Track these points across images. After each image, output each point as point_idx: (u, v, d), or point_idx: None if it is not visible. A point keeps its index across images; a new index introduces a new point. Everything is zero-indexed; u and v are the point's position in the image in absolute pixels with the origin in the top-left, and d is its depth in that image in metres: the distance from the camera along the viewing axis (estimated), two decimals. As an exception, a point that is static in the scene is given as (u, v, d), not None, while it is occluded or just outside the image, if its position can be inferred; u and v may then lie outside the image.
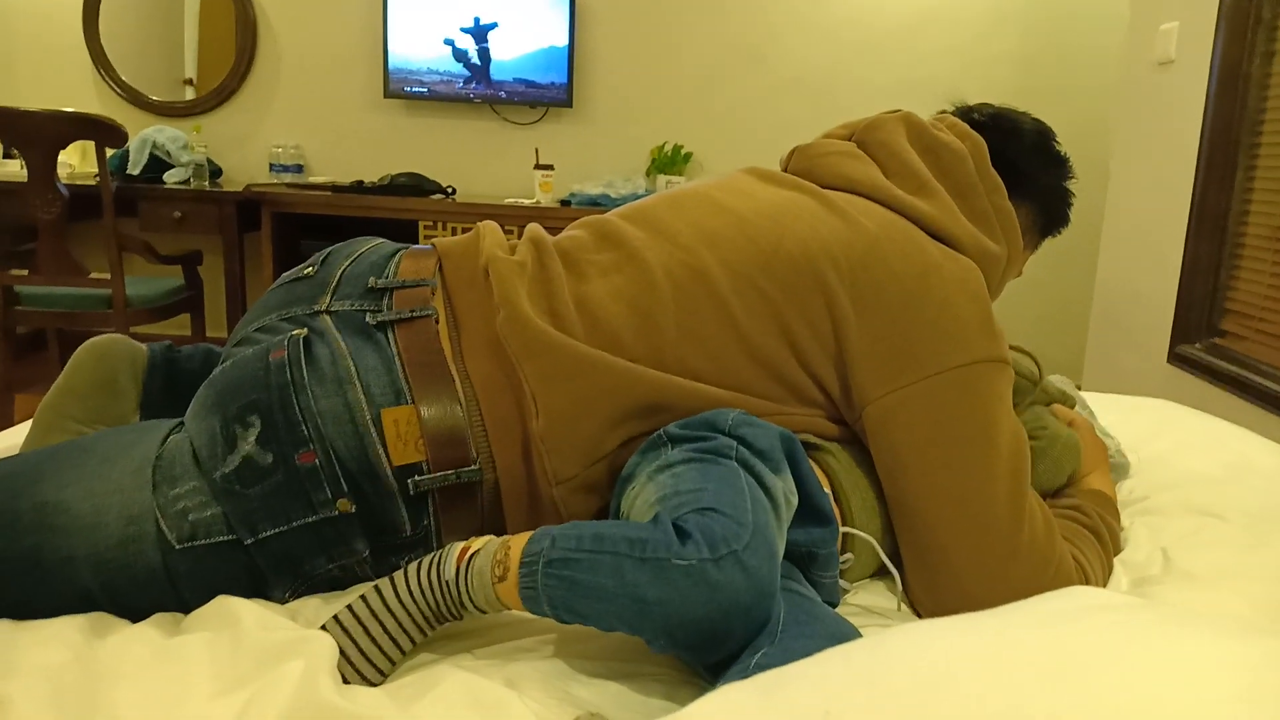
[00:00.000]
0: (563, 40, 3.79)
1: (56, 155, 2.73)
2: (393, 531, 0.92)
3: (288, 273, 1.08)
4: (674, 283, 1.01)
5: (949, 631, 0.55)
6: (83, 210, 3.00)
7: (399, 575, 0.81)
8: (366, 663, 0.77)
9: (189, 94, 3.92)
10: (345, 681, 0.76)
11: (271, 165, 3.83)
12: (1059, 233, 1.26)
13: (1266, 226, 2.36)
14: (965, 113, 1.24)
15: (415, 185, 3.53)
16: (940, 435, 0.97)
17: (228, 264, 3.47)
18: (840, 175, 1.12)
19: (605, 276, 1.02)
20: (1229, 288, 2.49)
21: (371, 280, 1.01)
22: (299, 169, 3.87)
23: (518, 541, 0.79)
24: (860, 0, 3.83)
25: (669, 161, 3.82)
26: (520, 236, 1.11)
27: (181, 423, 0.94)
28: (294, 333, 0.93)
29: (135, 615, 0.86)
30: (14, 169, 3.45)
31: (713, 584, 0.72)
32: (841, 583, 1.00)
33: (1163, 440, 1.46)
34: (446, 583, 0.79)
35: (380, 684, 0.78)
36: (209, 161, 3.64)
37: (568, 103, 3.86)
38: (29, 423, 1.08)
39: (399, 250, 1.08)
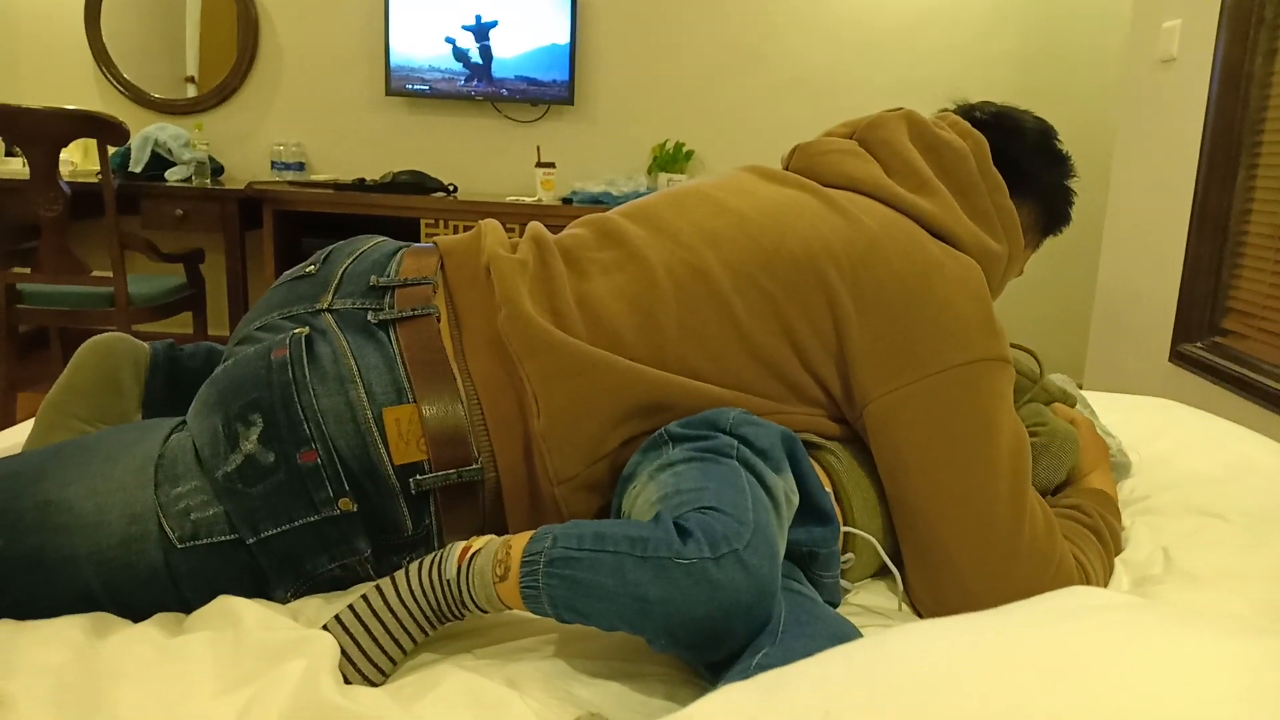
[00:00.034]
0: (564, 38, 3.79)
1: (58, 153, 2.73)
2: (394, 531, 0.92)
3: (289, 271, 1.08)
4: (675, 281, 1.01)
5: (950, 631, 0.55)
6: (85, 208, 3.00)
7: (400, 575, 0.81)
8: (368, 662, 0.78)
9: (191, 92, 3.92)
10: (346, 681, 0.76)
11: (273, 163, 3.83)
12: (1060, 231, 1.25)
13: (1268, 225, 2.36)
14: (967, 111, 1.23)
15: (417, 183, 3.53)
16: (941, 434, 0.97)
17: (229, 262, 3.47)
18: (842, 174, 1.12)
19: (607, 275, 1.02)
20: (1230, 287, 2.49)
21: (373, 278, 1.01)
22: (301, 167, 3.87)
23: (519, 541, 0.79)
24: (862, 0, 3.83)
25: (670, 160, 3.82)
26: (522, 235, 1.11)
27: (184, 421, 0.94)
28: (296, 331, 0.94)
29: (137, 614, 0.86)
30: (16, 167, 3.45)
31: (714, 583, 0.72)
32: (843, 582, 1.00)
33: (1164, 440, 1.46)
34: (448, 582, 0.79)
35: (381, 683, 0.78)
36: (211, 159, 3.64)
37: (569, 101, 3.86)
38: (31, 421, 1.09)
39: (400, 248, 1.08)
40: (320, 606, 0.90)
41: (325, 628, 0.79)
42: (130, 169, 3.52)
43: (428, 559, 0.82)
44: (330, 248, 1.08)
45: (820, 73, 3.89)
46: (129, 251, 2.90)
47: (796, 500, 0.90)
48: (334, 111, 3.96)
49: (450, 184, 3.66)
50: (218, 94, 3.91)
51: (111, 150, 3.04)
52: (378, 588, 0.81)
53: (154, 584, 0.86)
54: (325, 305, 0.99)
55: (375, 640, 0.78)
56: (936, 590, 0.98)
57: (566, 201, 3.63)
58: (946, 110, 1.26)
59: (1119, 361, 2.96)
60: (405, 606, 0.79)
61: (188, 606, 0.87)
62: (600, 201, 3.58)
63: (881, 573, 1.06)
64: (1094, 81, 3.82)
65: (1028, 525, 0.96)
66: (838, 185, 1.11)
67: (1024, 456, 0.99)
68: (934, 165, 1.12)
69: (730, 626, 0.72)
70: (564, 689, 0.77)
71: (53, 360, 3.61)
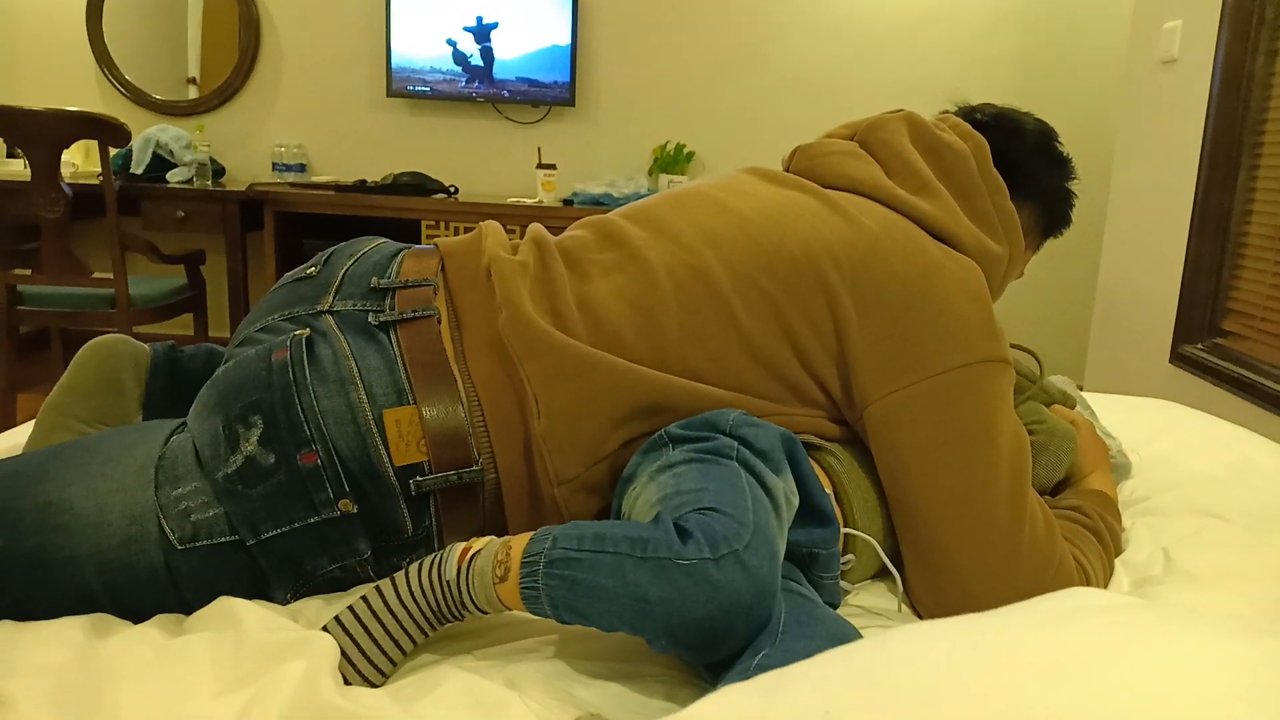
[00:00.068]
0: (565, 39, 3.79)
1: (60, 154, 2.73)
2: (394, 532, 0.92)
3: (290, 272, 1.08)
4: (676, 282, 1.01)
5: (950, 632, 0.55)
6: (86, 209, 3.00)
7: (400, 576, 0.81)
8: (368, 663, 0.78)
9: (192, 93, 3.92)
10: (346, 682, 0.76)
11: (274, 164, 3.83)
12: (1061, 234, 1.25)
13: (1269, 226, 2.36)
14: (968, 113, 1.23)
15: (418, 185, 3.53)
16: (942, 435, 0.97)
17: (230, 263, 3.47)
18: (842, 175, 1.12)
19: (607, 276, 1.02)
20: (1231, 287, 2.49)
21: (374, 280, 1.01)
22: (302, 168, 3.87)
23: (519, 542, 0.79)
24: (862, 0, 3.83)
25: (671, 161, 3.82)
26: (522, 236, 1.11)
27: (184, 423, 0.94)
28: (296, 333, 0.94)
29: (137, 615, 0.86)
30: (17, 168, 3.45)
31: (714, 583, 0.72)
32: (843, 583, 1.00)
33: (1164, 440, 1.46)
34: (447, 583, 0.79)
35: (381, 684, 0.78)
36: (212, 161, 3.64)
37: (570, 102, 3.86)
38: (32, 422, 1.09)
39: (401, 250, 1.08)
40: (320, 607, 0.90)
41: (325, 629, 0.79)
42: (131, 170, 3.53)
43: (427, 560, 0.82)
44: (331, 249, 1.09)
45: (821, 73, 3.89)
46: (130, 253, 2.91)
47: (796, 501, 0.90)
48: (335, 113, 3.96)
49: (451, 185, 3.66)
50: (219, 95, 3.92)
51: (113, 151, 3.04)
52: (377, 589, 0.81)
53: (154, 585, 0.86)
54: (326, 307, 0.99)
55: (375, 641, 0.78)
56: (937, 591, 0.98)
57: (567, 203, 3.63)
58: (947, 112, 1.26)
59: (1119, 362, 2.96)
60: (405, 607, 0.79)
61: (188, 607, 0.87)
62: (601, 203, 3.58)
63: (882, 574, 1.06)
64: (1095, 82, 3.82)
65: (1028, 526, 0.96)
66: (838, 187, 1.11)
67: (1024, 458, 0.99)
68: (934, 167, 1.12)
69: (730, 627, 0.72)
70: (564, 690, 0.77)
71: (53, 361, 3.61)
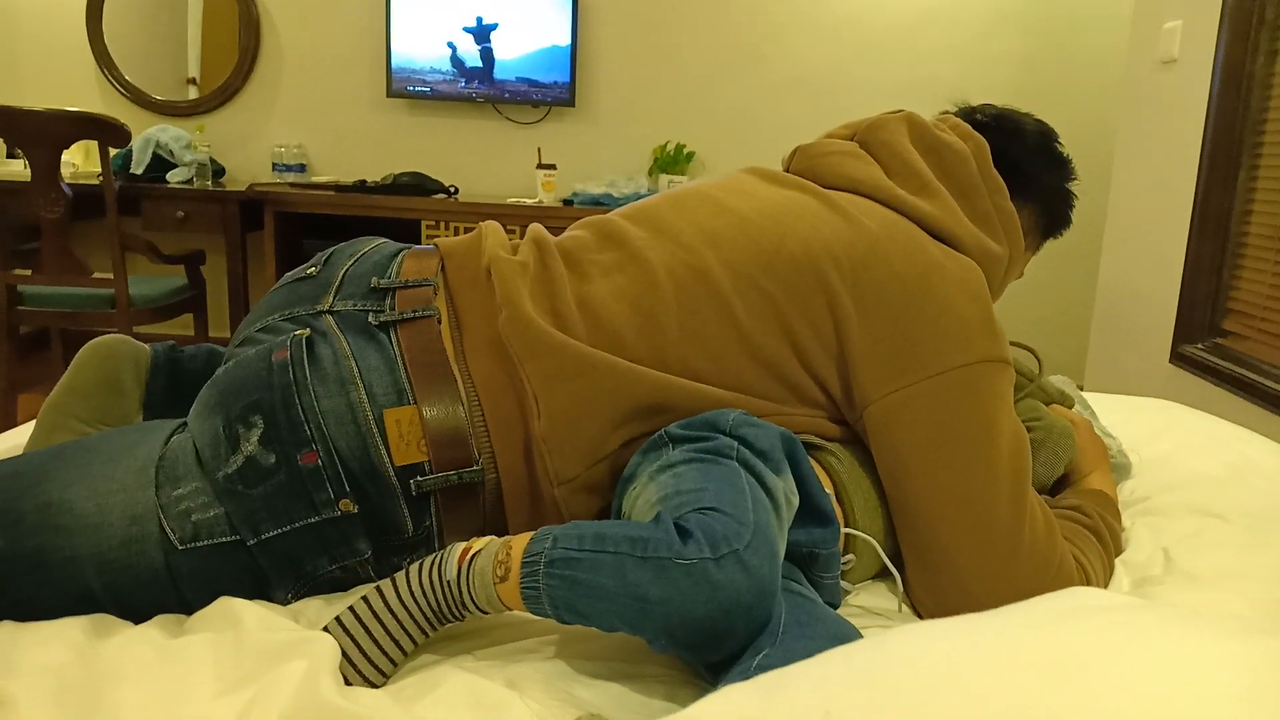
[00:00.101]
0: (565, 40, 3.79)
1: (60, 155, 2.74)
2: (395, 532, 0.92)
3: (290, 273, 1.08)
4: (676, 282, 1.01)
5: (950, 632, 0.55)
6: (86, 210, 3.00)
7: (400, 576, 0.81)
8: (368, 664, 0.78)
9: (192, 93, 3.92)
10: (347, 682, 0.76)
11: (274, 165, 3.83)
12: (1060, 234, 1.25)
13: (1269, 226, 2.36)
14: (968, 113, 1.24)
15: (418, 185, 3.53)
16: (942, 435, 0.97)
17: (230, 264, 3.47)
18: (842, 175, 1.12)
19: (607, 276, 1.02)
20: (1231, 287, 2.49)
21: (374, 280, 1.01)
22: (302, 168, 3.87)
23: (519, 542, 0.79)
24: (862, 0, 3.83)
25: (671, 161, 3.82)
26: (522, 236, 1.11)
27: (184, 423, 0.94)
28: (297, 333, 0.94)
29: (138, 615, 0.86)
30: (17, 168, 3.46)
31: (714, 583, 0.72)
32: (843, 584, 1.00)
33: (1165, 441, 1.46)
34: (448, 583, 0.79)
35: (382, 685, 0.78)
36: (212, 161, 3.64)
37: (570, 102, 3.86)
38: (33, 423, 1.09)
39: (401, 250, 1.09)
40: (321, 608, 0.90)
41: (326, 629, 0.79)
42: (131, 171, 3.53)
43: (428, 560, 0.82)
44: (331, 249, 1.09)
45: (821, 73, 3.89)
46: (130, 253, 2.91)
47: (796, 501, 0.90)
48: (335, 113, 3.96)
49: (451, 186, 3.66)
50: (219, 96, 3.92)
51: (113, 152, 3.04)
52: (378, 589, 0.81)
53: (155, 585, 0.86)
54: (326, 307, 0.99)
55: (375, 641, 0.78)
56: (937, 591, 0.98)
57: (567, 203, 3.63)
58: (947, 112, 1.26)
59: (1120, 362, 2.96)
60: (405, 608, 0.79)
61: (188, 607, 0.87)
62: (601, 203, 3.58)
63: (882, 574, 1.06)
64: (1095, 82, 3.82)
65: (1028, 526, 0.96)
66: (838, 187, 1.11)
67: (1024, 458, 0.99)
68: (934, 167, 1.12)
69: (730, 627, 0.73)
70: (564, 690, 0.77)
71: (54, 362, 3.61)
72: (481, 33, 3.79)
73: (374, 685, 0.78)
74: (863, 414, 1.01)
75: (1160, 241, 2.71)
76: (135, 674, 0.74)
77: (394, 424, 0.90)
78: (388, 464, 0.89)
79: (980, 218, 1.11)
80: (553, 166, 3.64)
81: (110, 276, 2.82)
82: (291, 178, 3.77)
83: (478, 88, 3.84)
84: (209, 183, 3.58)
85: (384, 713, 0.70)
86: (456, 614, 0.81)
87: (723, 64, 3.90)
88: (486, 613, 0.80)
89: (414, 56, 3.79)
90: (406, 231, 3.54)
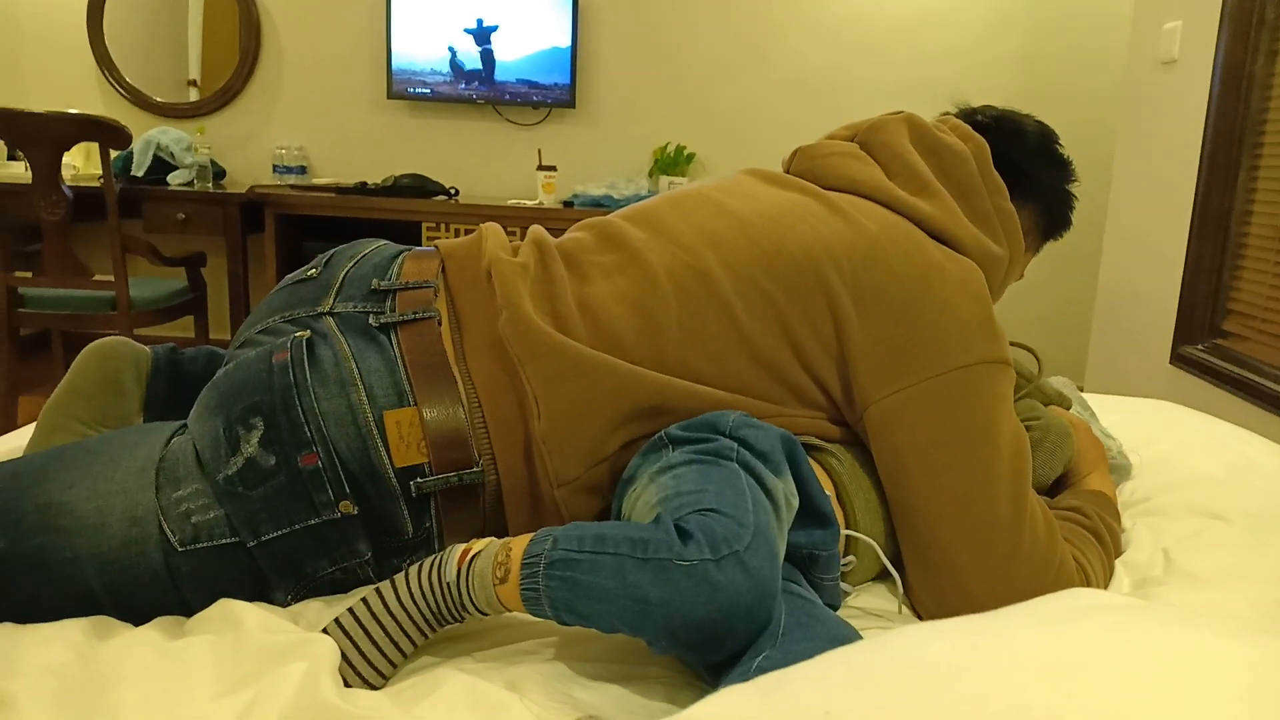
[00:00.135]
0: (565, 41, 3.79)
1: (61, 157, 2.74)
2: (395, 533, 0.92)
3: (291, 275, 1.08)
4: (676, 284, 1.01)
5: (949, 632, 0.55)
6: (87, 212, 3.00)
7: (400, 578, 0.81)
8: (368, 665, 0.78)
9: (193, 95, 3.93)
10: (346, 684, 0.76)
11: (275, 167, 3.84)
12: (1060, 236, 1.26)
13: (1269, 227, 2.36)
14: (969, 114, 1.24)
15: (418, 187, 3.53)
16: (942, 436, 0.97)
17: (231, 266, 3.48)
18: (842, 176, 1.12)
19: (608, 278, 1.03)
20: (1231, 288, 2.49)
21: (374, 282, 1.01)
22: (302, 170, 3.88)
23: (519, 543, 0.79)
24: (863, 1, 3.83)
25: (672, 162, 3.82)
26: (523, 238, 1.11)
27: (185, 425, 0.94)
28: (297, 334, 0.94)
29: (138, 616, 0.86)
30: (18, 170, 3.46)
31: (714, 584, 0.72)
32: (843, 585, 1.00)
33: (1165, 441, 1.46)
34: (447, 585, 0.79)
35: (382, 686, 0.78)
36: (212, 163, 3.65)
37: (570, 104, 3.86)
38: (33, 424, 1.09)
39: (402, 252, 1.09)
40: (321, 610, 0.90)
41: (325, 631, 0.79)
42: (132, 173, 3.53)
43: (427, 561, 0.82)
44: (332, 251, 1.09)
45: (821, 74, 3.90)
46: (131, 255, 2.91)
47: (796, 503, 0.90)
48: (336, 115, 3.96)
49: (452, 187, 3.66)
50: (220, 98, 3.92)
51: (114, 154, 3.04)
52: (377, 591, 0.81)
53: (155, 586, 0.86)
54: (326, 308, 0.99)
55: (375, 643, 0.78)
56: (937, 592, 0.98)
57: (568, 204, 3.64)
58: (948, 113, 1.26)
59: (1120, 363, 2.96)
60: (405, 609, 0.79)
61: (188, 609, 0.87)
62: (601, 204, 3.58)
63: (883, 575, 1.06)
64: (1095, 83, 3.82)
65: (1028, 527, 0.96)
66: (838, 188, 1.11)
67: (1025, 459, 0.99)
68: (935, 168, 1.12)
69: (731, 628, 0.73)
70: (564, 691, 0.77)
71: (54, 363, 3.61)
72: (482, 34, 3.80)
73: (373, 687, 0.78)
74: (863, 415, 1.01)
75: (1160, 242, 2.71)
76: (135, 675, 0.74)
77: (394, 425, 0.90)
78: (388, 465, 0.89)
79: (980, 219, 1.11)
80: (553, 168, 3.65)
81: (111, 279, 2.82)
82: (292, 180, 3.78)
83: (478, 89, 3.84)
84: (210, 185, 3.58)
85: (383, 714, 0.70)
86: (456, 615, 0.81)
87: (723, 65, 3.91)
88: (486, 614, 0.80)
89: (414, 58, 3.80)
90: (407, 233, 3.54)
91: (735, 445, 0.88)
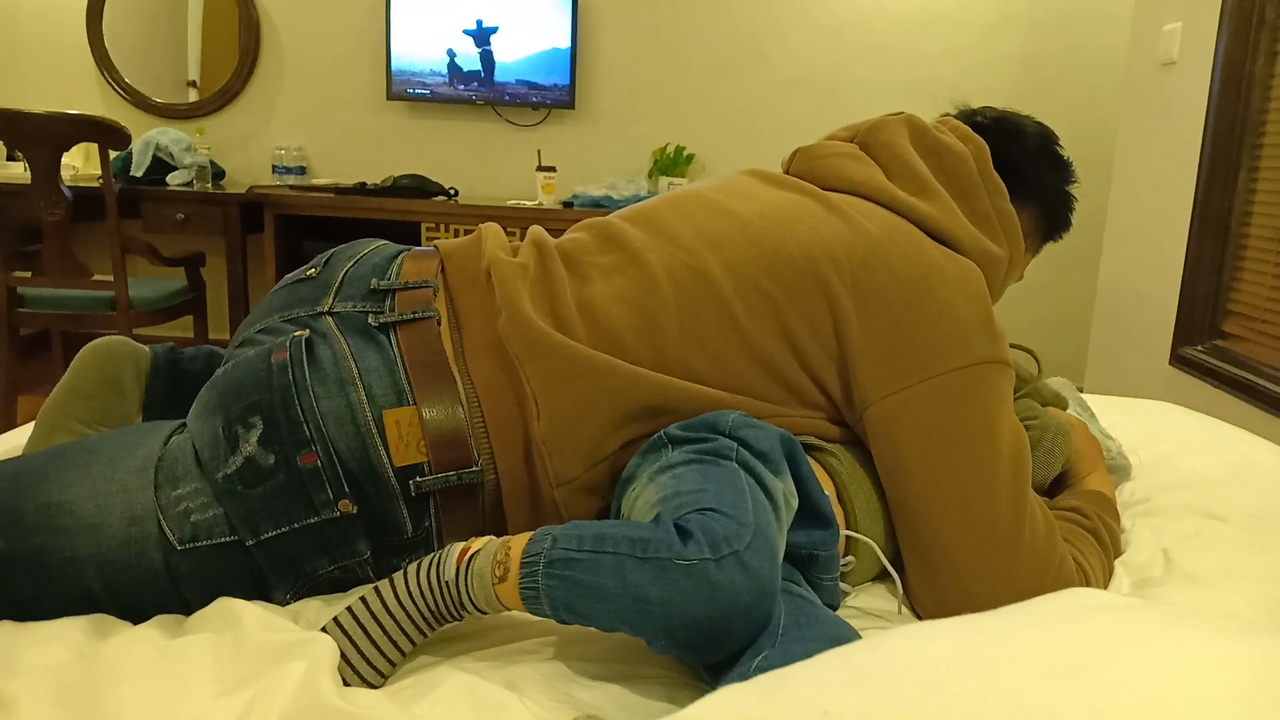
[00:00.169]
0: (565, 42, 3.79)
1: (60, 157, 2.74)
2: (394, 532, 0.92)
3: (290, 274, 1.08)
4: (676, 284, 1.01)
5: (948, 632, 0.55)
6: (86, 212, 3.00)
7: (399, 576, 0.81)
8: (367, 664, 0.78)
9: (192, 96, 3.93)
10: (346, 683, 0.76)
11: (274, 167, 3.84)
12: (1060, 237, 1.25)
13: (1269, 227, 2.36)
14: (968, 115, 1.24)
15: (418, 187, 3.53)
16: (942, 437, 0.97)
17: (230, 266, 3.48)
18: (842, 177, 1.12)
19: (607, 278, 1.03)
20: (1231, 289, 2.49)
21: (374, 282, 1.01)
22: (302, 171, 3.88)
23: (518, 542, 0.79)
24: (863, 1, 3.83)
25: (671, 163, 3.82)
26: (522, 238, 1.11)
27: (184, 424, 0.94)
28: (296, 334, 0.94)
29: (137, 615, 0.86)
30: (18, 171, 3.46)
31: (714, 584, 0.72)
32: (843, 585, 1.00)
33: (1165, 442, 1.46)
34: (446, 584, 0.79)
35: (381, 685, 0.78)
36: (212, 163, 3.65)
37: (570, 104, 3.86)
38: (33, 424, 1.09)
39: (401, 252, 1.09)
40: (320, 608, 0.90)
41: (324, 630, 0.79)
42: (132, 173, 3.53)
43: (426, 560, 0.82)
44: (331, 251, 1.09)
45: (821, 74, 3.90)
46: (130, 255, 2.91)
47: (796, 503, 0.90)
48: (335, 115, 3.96)
49: (451, 188, 3.66)
50: (219, 98, 3.92)
51: (113, 154, 3.04)
52: (376, 590, 0.81)
53: (154, 585, 0.86)
54: (326, 308, 0.99)
55: (374, 642, 0.78)
56: (937, 592, 0.98)
57: (567, 205, 3.64)
58: (948, 114, 1.26)
59: (1119, 364, 2.96)
60: (404, 608, 0.79)
61: (188, 608, 0.87)
62: (601, 205, 3.58)
63: (882, 575, 1.06)
64: (1095, 84, 3.82)
65: (1028, 527, 0.96)
66: (838, 188, 1.11)
67: (1024, 459, 0.99)
68: (935, 169, 1.12)
69: (730, 627, 0.72)
70: (563, 691, 0.77)
71: (54, 363, 3.61)
72: (481, 35, 3.80)
73: (373, 686, 0.78)
74: (863, 415, 1.01)
75: (1160, 243, 2.71)
76: (135, 674, 0.74)
77: (393, 425, 0.90)
78: (387, 465, 0.89)
79: (980, 219, 1.11)
80: (552, 169, 3.65)
81: (110, 279, 2.82)
82: (291, 180, 3.78)
83: (478, 90, 3.84)
84: (209, 185, 3.58)
85: (383, 713, 0.70)
86: (455, 614, 0.81)
87: (723, 65, 3.91)
88: (485, 613, 0.80)
89: (414, 59, 3.80)
90: (406, 234, 3.54)
91: (735, 445, 0.88)
